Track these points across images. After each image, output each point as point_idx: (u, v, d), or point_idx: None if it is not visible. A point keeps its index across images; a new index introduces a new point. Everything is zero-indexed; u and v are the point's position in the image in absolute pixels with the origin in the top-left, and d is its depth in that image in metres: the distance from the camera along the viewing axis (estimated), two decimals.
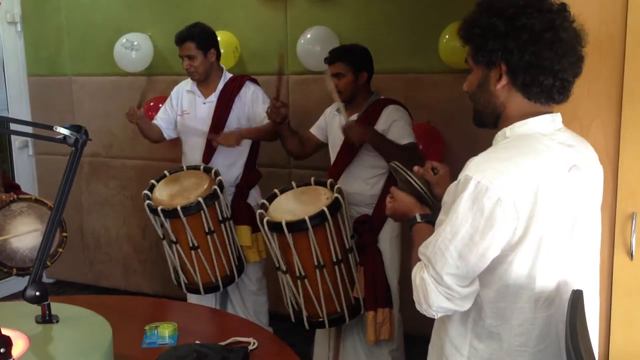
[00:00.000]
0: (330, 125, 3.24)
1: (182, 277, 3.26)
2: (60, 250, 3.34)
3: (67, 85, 4.75)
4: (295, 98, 4.01)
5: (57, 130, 1.90)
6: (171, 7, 4.26)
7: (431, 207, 1.70)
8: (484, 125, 1.58)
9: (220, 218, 3.16)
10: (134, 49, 4.20)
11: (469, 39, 1.50)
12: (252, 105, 3.46)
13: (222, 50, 3.92)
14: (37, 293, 1.84)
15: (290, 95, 4.02)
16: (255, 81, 3.58)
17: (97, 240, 4.88)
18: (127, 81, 4.49)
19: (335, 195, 2.80)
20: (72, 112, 4.76)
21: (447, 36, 3.41)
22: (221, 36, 3.98)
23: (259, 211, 2.86)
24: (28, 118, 4.91)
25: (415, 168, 1.75)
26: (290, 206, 2.88)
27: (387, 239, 3.07)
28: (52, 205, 3.47)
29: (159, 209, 3.04)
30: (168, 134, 3.62)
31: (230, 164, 3.43)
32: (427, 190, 1.70)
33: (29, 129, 2.78)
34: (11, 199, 3.28)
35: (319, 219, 2.72)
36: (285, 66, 3.64)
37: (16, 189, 3.59)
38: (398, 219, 1.74)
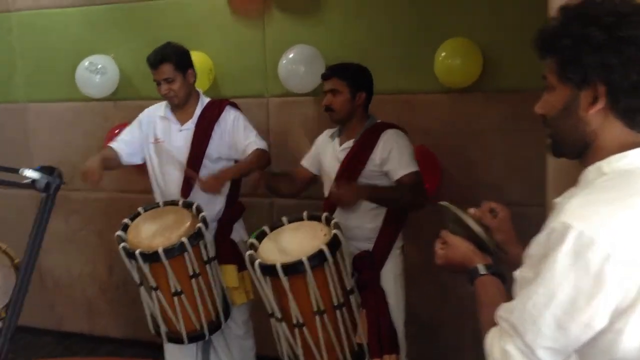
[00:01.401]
0: (324, 154, 2.96)
1: (162, 326, 2.91)
2: None
3: (20, 114, 4.33)
4: (276, 123, 3.72)
5: (24, 174, 1.56)
6: (137, 26, 3.92)
7: (493, 256, 1.43)
8: (565, 155, 1.31)
9: (205, 258, 2.84)
10: (99, 72, 3.85)
11: (554, 50, 1.22)
12: (234, 133, 3.15)
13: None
14: None
15: (270, 119, 3.73)
16: (235, 106, 3.28)
17: (57, 281, 4.46)
18: (89, 107, 4.12)
19: (334, 231, 2.51)
20: (27, 143, 4.35)
21: (443, 53, 3.18)
22: (194, 57, 3.67)
23: (248, 253, 2.55)
24: None
25: (471, 210, 1.49)
26: (283, 245, 2.58)
27: (391, 276, 2.80)
28: (7, 249, 3.11)
29: (137, 252, 2.70)
30: (127, 160, 3.23)
31: (211, 197, 3.11)
32: (488, 235, 1.43)
33: None
34: None
35: (317, 259, 2.43)
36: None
37: None
38: (452, 269, 1.47)
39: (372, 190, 2.69)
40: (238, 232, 3.24)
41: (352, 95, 2.79)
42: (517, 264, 1.25)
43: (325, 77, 2.85)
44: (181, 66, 3.06)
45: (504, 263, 1.49)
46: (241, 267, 3.03)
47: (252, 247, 2.61)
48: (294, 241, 2.57)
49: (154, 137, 3.21)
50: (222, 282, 3.00)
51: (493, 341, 1.21)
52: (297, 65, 3.46)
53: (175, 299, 2.78)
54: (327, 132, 2.99)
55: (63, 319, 4.47)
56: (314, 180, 3.09)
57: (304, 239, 2.56)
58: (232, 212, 3.21)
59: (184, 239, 2.70)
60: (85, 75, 3.83)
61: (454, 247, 1.45)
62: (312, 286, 2.43)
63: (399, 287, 2.83)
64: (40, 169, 1.62)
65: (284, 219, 2.73)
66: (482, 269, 1.39)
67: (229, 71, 3.77)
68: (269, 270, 2.45)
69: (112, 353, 4.23)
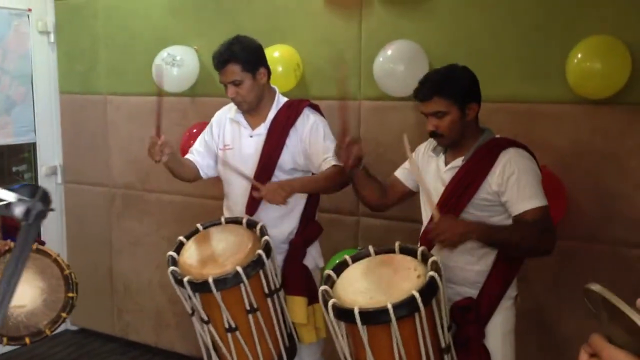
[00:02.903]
0: (425, 171, 2.41)
1: None
2: (64, 315, 2.63)
3: (101, 106, 4.10)
4: (368, 130, 3.21)
5: None
6: (222, 15, 3.55)
7: None
8: None
9: (267, 291, 2.39)
10: (175, 65, 3.51)
11: None
12: (311, 143, 2.67)
13: (280, 68, 3.20)
14: None
15: (362, 126, 3.23)
16: (316, 108, 2.79)
17: (127, 286, 4.18)
18: (166, 102, 3.76)
19: (431, 273, 1.97)
20: (105, 136, 4.11)
21: (578, 55, 2.54)
22: (280, 51, 3.25)
23: (322, 288, 2.07)
24: (58, 141, 4.30)
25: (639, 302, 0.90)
26: (365, 283, 2.07)
27: (498, 334, 2.22)
28: (58, 257, 2.81)
29: (185, 280, 2.29)
30: (206, 172, 2.86)
31: (283, 214, 2.65)
32: None
33: None
34: (7, 247, 2.59)
35: (407, 308, 1.91)
36: (349, 90, 2.80)
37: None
38: None
39: (485, 231, 2.13)
40: (312, 257, 2.76)
41: (461, 112, 2.23)
42: None
43: (422, 98, 2.27)
44: (250, 65, 2.61)
45: None
46: (312, 299, 2.55)
47: (328, 280, 2.13)
48: (381, 280, 2.06)
49: (223, 142, 2.81)
50: (288, 317, 2.53)
51: None
52: (396, 64, 2.94)
53: (229, 335, 2.36)
54: (430, 143, 2.44)
55: (129, 327, 4.19)
56: (408, 196, 2.55)
57: (393, 278, 2.04)
58: (306, 233, 2.73)
59: (239, 269, 2.26)
60: (162, 67, 3.49)
61: None
62: (397, 341, 1.92)
63: (508, 348, 2.24)
64: (20, 188, 1.19)
65: (371, 248, 2.22)
66: None
67: (319, 68, 3.30)
68: (344, 314, 1.96)
69: None
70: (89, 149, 4.18)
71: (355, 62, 3.17)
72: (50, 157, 4.30)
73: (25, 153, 4.39)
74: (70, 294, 2.64)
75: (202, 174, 2.85)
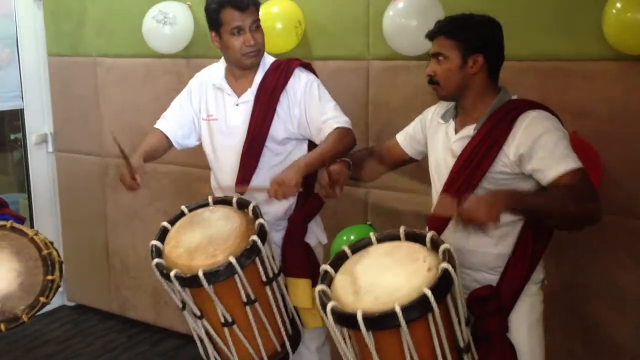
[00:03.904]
0: (434, 139, 2.12)
1: (214, 355, 2.25)
2: (42, 300, 2.40)
3: (91, 68, 3.81)
4: (378, 93, 2.91)
5: None
6: None
7: None
8: None
9: (265, 279, 2.12)
10: (167, 23, 3.21)
11: None
12: (306, 106, 2.37)
13: (279, 26, 2.91)
14: None
15: (371, 89, 2.93)
16: (308, 67, 2.48)
17: (123, 261, 3.96)
18: (160, 64, 3.52)
19: (443, 265, 1.69)
20: (96, 102, 3.83)
21: (617, 5, 2.22)
22: (279, 6, 2.95)
23: (318, 288, 1.80)
24: (47, 106, 4.04)
25: None
26: (367, 280, 1.79)
27: (524, 325, 1.95)
28: (35, 236, 2.56)
29: (172, 274, 2.03)
30: (180, 142, 2.56)
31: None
32: None
33: None
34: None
35: (418, 309, 1.63)
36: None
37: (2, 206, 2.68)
38: None
39: (516, 197, 1.80)
40: (314, 233, 2.50)
41: (462, 60, 1.93)
42: None
43: (430, 35, 2.01)
44: (258, 5, 2.37)
45: None
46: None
47: (326, 277, 1.86)
48: (385, 275, 1.77)
49: (206, 112, 2.51)
50: (289, 303, 2.28)
51: None
52: (408, 18, 2.62)
53: (226, 329, 2.11)
54: (439, 107, 2.14)
55: (127, 304, 3.99)
56: (408, 163, 2.30)
57: (399, 272, 1.75)
58: (306, 208, 2.45)
59: (232, 259, 1.99)
60: (152, 25, 3.21)
61: None
62: (409, 346, 1.65)
63: (535, 340, 1.97)
64: None
65: (373, 236, 1.94)
66: None
67: (322, 25, 2.99)
68: (346, 320, 1.69)
69: (176, 349, 3.70)
70: (80, 116, 3.92)
71: (362, 17, 2.86)
72: (39, 124, 4.04)
73: (20, 120, 4.15)
74: (50, 277, 2.40)
75: (175, 144, 2.56)
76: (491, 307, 1.90)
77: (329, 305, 1.70)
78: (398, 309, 1.59)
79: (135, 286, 3.93)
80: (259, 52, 2.37)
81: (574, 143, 2.38)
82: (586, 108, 2.43)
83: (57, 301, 4.19)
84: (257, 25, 2.34)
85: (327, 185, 2.08)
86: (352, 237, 2.86)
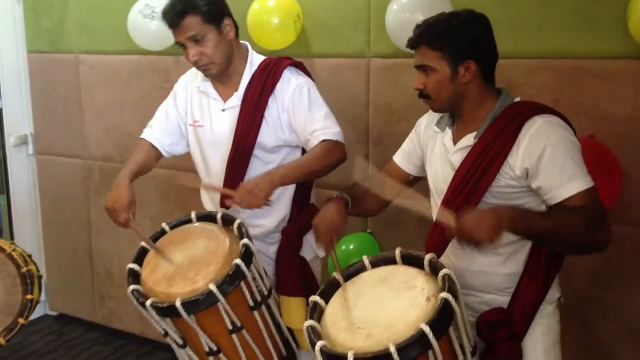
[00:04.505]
0: (429, 151, 1.93)
1: None
2: (21, 321, 2.21)
3: (73, 66, 3.61)
4: (379, 93, 2.73)
5: None
6: None
7: None
8: None
9: (252, 304, 1.93)
10: (155, 18, 3.01)
11: None
12: (295, 112, 2.18)
13: (275, 20, 2.72)
14: None
15: (372, 88, 2.75)
16: (300, 67, 2.29)
17: (108, 269, 3.77)
18: (147, 62, 3.33)
19: (443, 295, 1.50)
20: (79, 101, 3.63)
21: None
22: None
23: (307, 324, 1.61)
24: (27, 106, 3.83)
25: None
26: (361, 313, 1.60)
27: (540, 349, 1.78)
28: (13, 251, 2.36)
29: (148, 304, 1.86)
30: (168, 150, 2.38)
31: (272, 201, 2.16)
32: None
33: None
34: None
35: (416, 348, 1.45)
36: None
37: None
38: None
39: (521, 216, 1.60)
40: (311, 247, 2.30)
41: (452, 70, 1.74)
42: None
43: (410, 45, 1.80)
44: (213, 15, 2.11)
45: None
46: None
47: (315, 310, 1.68)
48: (379, 308, 1.59)
49: (192, 118, 2.33)
50: (282, 324, 2.10)
51: None
52: (413, 12, 2.42)
53: (212, 359, 1.94)
54: (433, 115, 1.96)
55: (113, 315, 3.80)
56: (413, 184, 2.07)
57: (395, 304, 1.58)
58: (301, 219, 2.26)
59: (212, 287, 1.80)
60: (139, 20, 3.02)
61: None
62: None
63: None
64: None
65: (366, 260, 1.76)
66: None
67: (322, 20, 2.80)
68: None
69: None
70: (61, 116, 3.72)
71: (364, 12, 2.68)
72: (19, 124, 3.83)
73: None
74: (29, 296, 2.22)
75: (164, 153, 2.38)
76: (502, 333, 1.72)
77: (318, 345, 1.53)
78: (393, 349, 1.42)
79: (121, 295, 3.73)
80: (211, 65, 2.16)
81: (591, 148, 2.24)
82: (604, 110, 2.27)
83: (38, 310, 3.97)
84: (197, 39, 2.11)
85: (325, 242, 1.85)
86: (351, 247, 2.73)
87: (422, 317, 1.49)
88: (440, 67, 1.73)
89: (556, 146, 1.66)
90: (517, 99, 1.83)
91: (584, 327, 2.44)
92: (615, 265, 2.34)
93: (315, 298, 1.69)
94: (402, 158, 2.06)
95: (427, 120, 1.98)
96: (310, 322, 1.61)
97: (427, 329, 1.44)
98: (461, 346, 1.57)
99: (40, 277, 2.43)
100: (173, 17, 2.09)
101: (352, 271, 1.76)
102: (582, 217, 1.60)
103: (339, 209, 1.88)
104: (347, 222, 1.90)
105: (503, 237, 1.63)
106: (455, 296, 1.52)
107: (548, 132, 1.68)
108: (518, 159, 1.69)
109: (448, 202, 1.78)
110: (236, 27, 2.21)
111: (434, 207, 1.91)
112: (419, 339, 1.44)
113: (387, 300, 1.60)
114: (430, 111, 1.96)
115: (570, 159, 1.66)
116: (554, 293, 1.84)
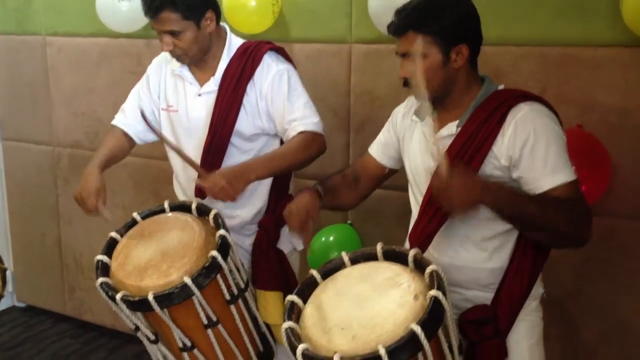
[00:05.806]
0: (409, 141, 1.84)
1: None
2: None
3: (40, 48, 3.45)
4: (361, 80, 2.64)
5: None
6: None
7: None
8: None
9: (228, 297, 1.84)
10: None
11: None
12: (273, 99, 2.08)
13: (252, 3, 2.61)
14: None
15: (353, 75, 2.65)
16: (281, 52, 2.19)
17: (78, 260, 3.65)
18: (117, 45, 3.19)
19: (433, 293, 1.42)
20: (46, 84, 3.48)
21: None
22: None
23: (285, 326, 1.52)
24: None
25: None
26: (344, 313, 1.51)
27: (524, 347, 1.72)
28: None
29: (118, 297, 1.76)
30: (141, 137, 2.27)
31: (248, 192, 2.08)
32: None
33: None
34: None
35: (407, 349, 1.36)
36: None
37: None
38: None
39: (507, 195, 1.55)
40: (288, 239, 2.22)
41: (444, 56, 1.65)
42: None
43: (394, 31, 1.69)
44: (194, 12, 2.00)
45: None
46: (289, 291, 2.03)
47: (293, 310, 1.58)
48: (363, 307, 1.50)
49: (165, 102, 2.21)
50: (260, 318, 2.01)
51: None
52: None
53: (186, 354, 1.85)
54: (409, 103, 1.87)
55: (83, 306, 3.68)
56: (389, 176, 2.00)
57: (380, 303, 1.49)
58: (278, 210, 2.12)
59: (187, 280, 1.71)
60: (108, 1, 2.87)
61: None
62: None
63: None
64: None
65: (345, 256, 1.66)
66: None
67: (301, 3, 2.70)
68: None
69: (137, 355, 3.40)
70: (28, 101, 3.57)
71: None
72: None
73: None
74: None
75: (137, 140, 2.28)
76: (488, 330, 1.66)
77: (299, 349, 1.43)
78: (382, 351, 1.33)
79: (92, 287, 3.58)
80: (184, 57, 2.07)
81: (579, 138, 2.19)
82: (593, 99, 2.20)
83: (5, 302, 3.86)
84: (172, 33, 2.00)
85: (297, 228, 1.78)
86: (331, 238, 2.65)
87: (411, 316, 1.41)
88: (430, 53, 1.64)
89: (541, 135, 1.60)
90: (501, 87, 1.75)
91: (569, 323, 2.39)
92: (601, 260, 2.29)
93: (292, 297, 1.60)
94: (378, 149, 1.97)
95: (404, 109, 1.90)
96: (289, 323, 1.52)
97: (418, 330, 1.36)
98: (449, 346, 1.51)
99: (4, 271, 2.30)
100: (149, 9, 1.98)
101: (331, 268, 1.67)
102: (566, 207, 1.55)
103: (312, 197, 1.81)
104: (319, 211, 1.82)
105: (494, 227, 1.62)
106: (444, 294, 1.44)
107: (534, 120, 1.62)
108: (503, 148, 1.62)
109: (428, 196, 1.70)
110: (217, 15, 2.10)
111: (414, 203, 1.85)
112: (410, 340, 1.36)
113: (371, 300, 1.51)
114: (408, 99, 1.89)
115: (555, 150, 1.60)
116: (538, 288, 1.78)
